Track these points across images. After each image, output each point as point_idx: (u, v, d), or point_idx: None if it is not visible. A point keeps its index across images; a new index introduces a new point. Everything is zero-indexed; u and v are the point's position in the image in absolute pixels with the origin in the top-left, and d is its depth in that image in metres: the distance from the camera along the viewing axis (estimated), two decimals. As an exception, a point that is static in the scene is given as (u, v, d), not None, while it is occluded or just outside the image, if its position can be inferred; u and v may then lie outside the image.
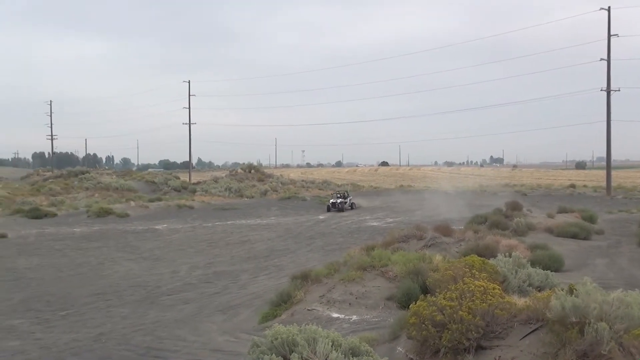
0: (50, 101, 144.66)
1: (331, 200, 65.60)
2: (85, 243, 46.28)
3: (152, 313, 25.09)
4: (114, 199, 77.97)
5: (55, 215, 61.36)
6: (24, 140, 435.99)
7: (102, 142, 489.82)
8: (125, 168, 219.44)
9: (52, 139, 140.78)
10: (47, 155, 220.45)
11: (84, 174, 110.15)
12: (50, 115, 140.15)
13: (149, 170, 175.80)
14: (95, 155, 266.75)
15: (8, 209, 65.54)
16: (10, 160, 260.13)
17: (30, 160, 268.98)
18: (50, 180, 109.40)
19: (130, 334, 21.59)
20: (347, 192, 70.85)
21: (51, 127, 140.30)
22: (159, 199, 75.27)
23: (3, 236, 48.45)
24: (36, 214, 60.57)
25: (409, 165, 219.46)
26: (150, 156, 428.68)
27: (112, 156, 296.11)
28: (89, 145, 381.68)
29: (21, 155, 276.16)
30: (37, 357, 19.12)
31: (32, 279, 34.25)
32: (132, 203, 69.34)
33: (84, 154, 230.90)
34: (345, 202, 65.45)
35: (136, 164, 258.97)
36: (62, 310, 26.21)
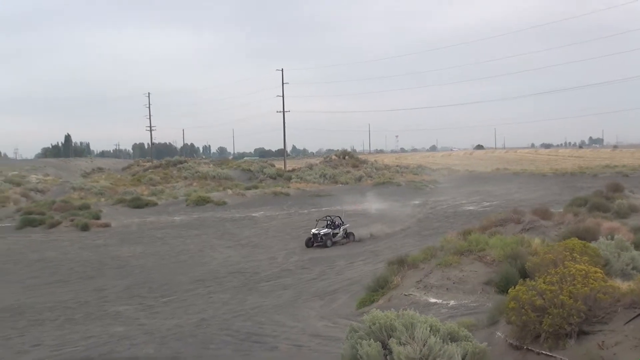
0: (149, 93, 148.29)
1: (312, 231, 40.63)
2: (185, 231, 47.33)
3: (251, 299, 25.50)
4: (211, 188, 79.37)
5: (155, 204, 62.85)
6: (125, 132, 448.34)
7: (199, 132, 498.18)
8: (222, 157, 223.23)
9: (150, 130, 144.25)
10: (146, 146, 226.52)
11: (182, 163, 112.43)
12: (149, 107, 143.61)
13: (245, 158, 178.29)
14: (192, 145, 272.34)
15: (111, 199, 67.58)
16: (112, 151, 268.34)
17: (131, 151, 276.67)
18: (150, 170, 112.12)
19: (231, 319, 22.01)
20: (339, 217, 42.83)
21: (150, 119, 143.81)
22: (255, 187, 76.17)
23: (107, 225, 49.98)
24: (137, 204, 62.15)
25: (504, 148, 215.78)
26: (245, 145, 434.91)
27: (209, 145, 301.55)
28: (186, 135, 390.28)
29: (122, 147, 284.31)
30: (142, 342, 19.70)
31: (135, 266, 35.30)
32: (229, 191, 70.33)
33: (181, 144, 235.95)
34: (337, 233, 40.81)
35: (232, 152, 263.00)
36: (164, 296, 26.94)
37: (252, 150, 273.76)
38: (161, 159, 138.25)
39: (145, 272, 33.11)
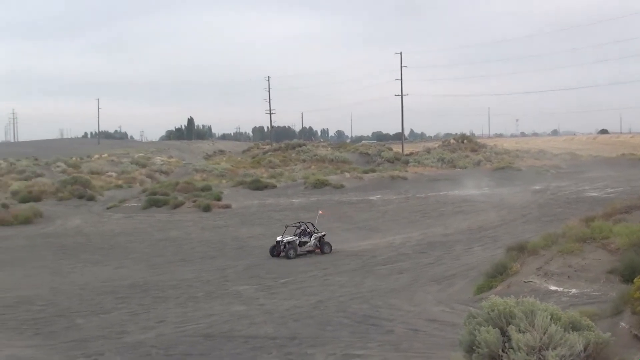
0: (268, 77, 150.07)
1: (277, 238, 34.13)
2: (303, 213, 47.83)
3: (368, 282, 25.61)
4: (329, 171, 79.94)
5: (274, 186, 63.84)
6: (245, 116, 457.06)
7: (317, 115, 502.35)
8: (340, 140, 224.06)
9: (270, 114, 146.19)
10: (266, 129, 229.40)
11: (300, 146, 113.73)
12: (269, 91, 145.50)
13: (363, 142, 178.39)
14: (310, 128, 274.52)
15: (231, 181, 69.18)
16: (232, 134, 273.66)
17: (251, 134, 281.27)
18: (269, 153, 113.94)
19: (347, 301, 22.19)
20: (312, 224, 35.24)
21: (269, 102, 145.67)
22: (373, 170, 76.21)
23: (227, 207, 51.18)
24: (257, 186, 63.32)
25: (630, 133, 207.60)
26: (363, 128, 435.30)
27: (327, 129, 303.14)
28: (305, 118, 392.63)
29: (242, 130, 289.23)
30: (261, 322, 20.13)
31: (255, 247, 36.03)
32: (347, 174, 70.63)
33: (300, 127, 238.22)
34: (305, 242, 34.02)
35: (350, 136, 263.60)
36: (282, 277, 27.40)
37: (370, 134, 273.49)
38: (280, 142, 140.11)
39: (264, 253, 33.72)
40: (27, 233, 43.23)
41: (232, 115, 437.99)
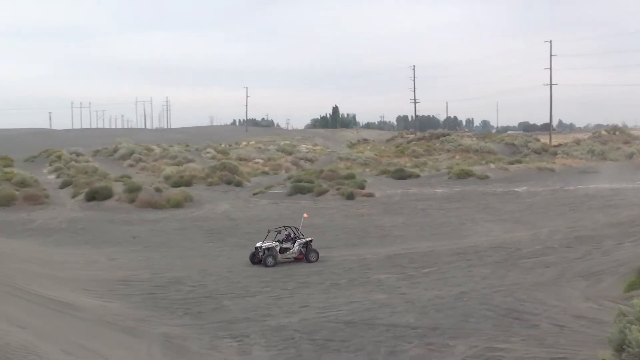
0: (414, 66, 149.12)
1: (257, 244, 30.79)
2: (447, 204, 47.50)
3: (512, 275, 25.12)
4: (473, 161, 78.87)
5: (418, 176, 63.62)
6: (389, 104, 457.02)
7: (462, 104, 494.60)
8: (485, 130, 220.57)
9: (414, 103, 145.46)
10: (410, 119, 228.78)
11: (445, 136, 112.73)
12: (414, 80, 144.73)
13: (508, 132, 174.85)
14: (455, 118, 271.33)
15: (375, 170, 69.46)
16: (376, 123, 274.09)
17: (395, 123, 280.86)
18: (413, 142, 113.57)
19: (491, 294, 21.87)
20: (296, 228, 31.78)
21: (414, 91, 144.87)
22: (519, 162, 74.47)
23: (370, 195, 51.42)
24: (400, 175, 63.30)
25: None
26: (509, 118, 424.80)
27: (472, 119, 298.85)
28: (449, 108, 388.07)
29: (386, 119, 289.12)
30: (403, 311, 20.17)
31: (397, 236, 36.03)
32: (492, 165, 69.41)
33: (444, 117, 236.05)
34: (287, 249, 30.64)
35: (495, 126, 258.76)
36: (424, 267, 27.27)
37: (516, 124, 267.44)
38: (424, 132, 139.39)
39: (407, 242, 33.69)
40: (178, 216, 44.99)
41: (376, 104, 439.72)
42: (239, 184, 60.72)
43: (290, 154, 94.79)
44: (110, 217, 45.07)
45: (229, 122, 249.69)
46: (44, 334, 13.64)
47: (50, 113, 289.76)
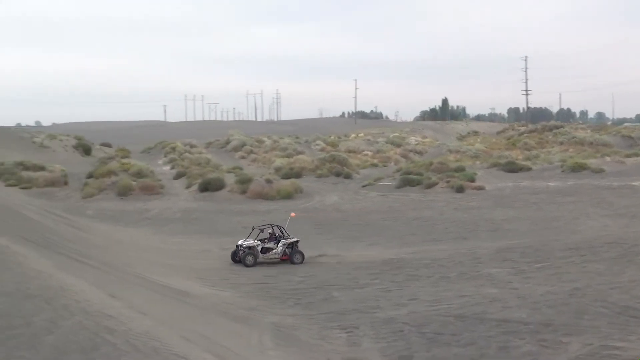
0: (526, 57, 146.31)
1: (239, 242, 29.63)
2: (560, 197, 46.36)
3: (629, 272, 24.28)
4: (588, 154, 76.54)
5: (529, 169, 62.30)
6: (500, 96, 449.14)
7: (576, 96, 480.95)
8: (600, 122, 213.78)
9: (526, 94, 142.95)
10: (521, 110, 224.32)
11: (558, 128, 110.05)
12: (525, 71, 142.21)
13: (625, 124, 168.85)
14: (568, 109, 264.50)
15: (485, 162, 68.45)
16: (487, 115, 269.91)
17: (505, 115, 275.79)
18: (524, 134, 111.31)
19: (607, 291, 21.22)
20: (282, 228, 30.36)
21: (526, 83, 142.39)
22: (636, 154, 71.86)
23: (481, 188, 50.75)
24: (511, 167, 62.16)
25: None
26: (625, 110, 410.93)
27: (586, 110, 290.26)
28: (562, 99, 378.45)
29: (497, 111, 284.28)
30: (514, 306, 19.84)
31: (508, 230, 35.44)
32: (607, 158, 67.24)
33: (557, 109, 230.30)
34: (270, 248, 29.36)
35: (611, 118, 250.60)
36: (537, 262, 26.70)
37: (633, 116, 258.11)
38: (536, 124, 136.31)
39: (518, 236, 33.08)
40: (288, 207, 45.47)
41: (486, 95, 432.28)
42: (348, 176, 61.03)
43: (399, 146, 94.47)
44: (222, 207, 46.11)
45: (338, 114, 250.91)
46: (163, 320, 14.10)
47: (165, 106, 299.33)
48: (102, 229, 36.13)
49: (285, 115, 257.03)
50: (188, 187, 53.65)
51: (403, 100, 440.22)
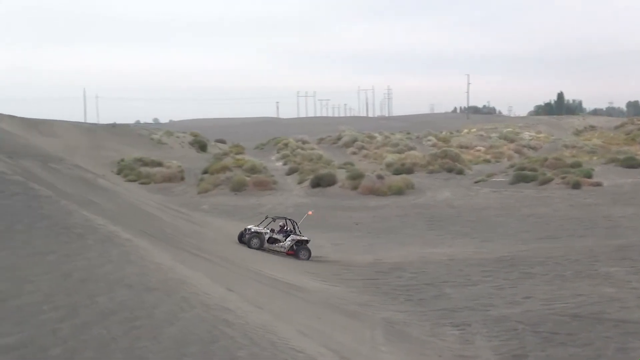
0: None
1: (248, 226, 31.14)
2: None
3: None
4: None
5: (649, 165, 60.18)
6: (618, 90, 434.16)
7: None
8: None
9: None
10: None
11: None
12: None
13: None
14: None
15: (603, 158, 66.38)
16: (604, 109, 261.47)
17: (624, 109, 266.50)
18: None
19: None
20: (295, 223, 30.99)
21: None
22: None
23: (598, 184, 49.31)
24: (631, 163, 60.03)
25: None
26: None
27: None
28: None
29: (615, 105, 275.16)
30: (633, 306, 19.25)
31: (627, 227, 34.37)
32: None
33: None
34: (277, 239, 29.91)
35: None
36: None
37: None
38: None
39: (638, 234, 32.02)
40: (400, 203, 45.52)
41: (604, 89, 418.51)
42: (460, 172, 60.40)
43: (512, 141, 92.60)
44: (333, 203, 46.43)
45: (450, 109, 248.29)
46: (278, 314, 14.37)
47: (277, 103, 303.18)
48: (216, 224, 37.01)
49: (396, 111, 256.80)
50: (300, 182, 54.28)
51: (517, 94, 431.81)
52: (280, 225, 30.74)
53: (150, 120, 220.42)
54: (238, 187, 51.67)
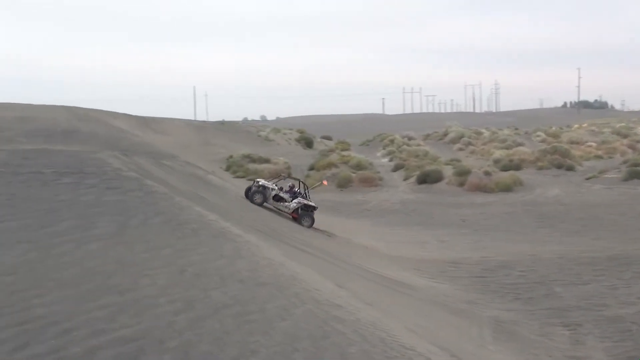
0: None
1: (258, 179, 32.53)
2: None
3: None
4: None
5: None
6: None
7: None
8: None
9: None
10: None
11: None
12: None
13: None
14: None
15: None
16: None
17: None
18: None
19: None
20: (307, 188, 31.94)
21: None
22: None
23: None
24: None
25: None
26: None
27: None
28: None
29: None
30: None
31: None
32: None
33: None
34: (282, 198, 30.14)
35: None
36: None
37: None
38: None
39: None
40: (508, 200, 44.77)
41: None
42: (570, 168, 58.93)
43: (625, 136, 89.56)
44: (439, 199, 46.09)
45: (559, 104, 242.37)
46: (387, 311, 14.46)
47: (383, 99, 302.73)
48: (322, 220, 37.35)
49: (504, 106, 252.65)
50: (406, 179, 54.10)
51: (631, 88, 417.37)
52: (289, 186, 31.22)
53: (257, 118, 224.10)
54: (344, 184, 51.87)
